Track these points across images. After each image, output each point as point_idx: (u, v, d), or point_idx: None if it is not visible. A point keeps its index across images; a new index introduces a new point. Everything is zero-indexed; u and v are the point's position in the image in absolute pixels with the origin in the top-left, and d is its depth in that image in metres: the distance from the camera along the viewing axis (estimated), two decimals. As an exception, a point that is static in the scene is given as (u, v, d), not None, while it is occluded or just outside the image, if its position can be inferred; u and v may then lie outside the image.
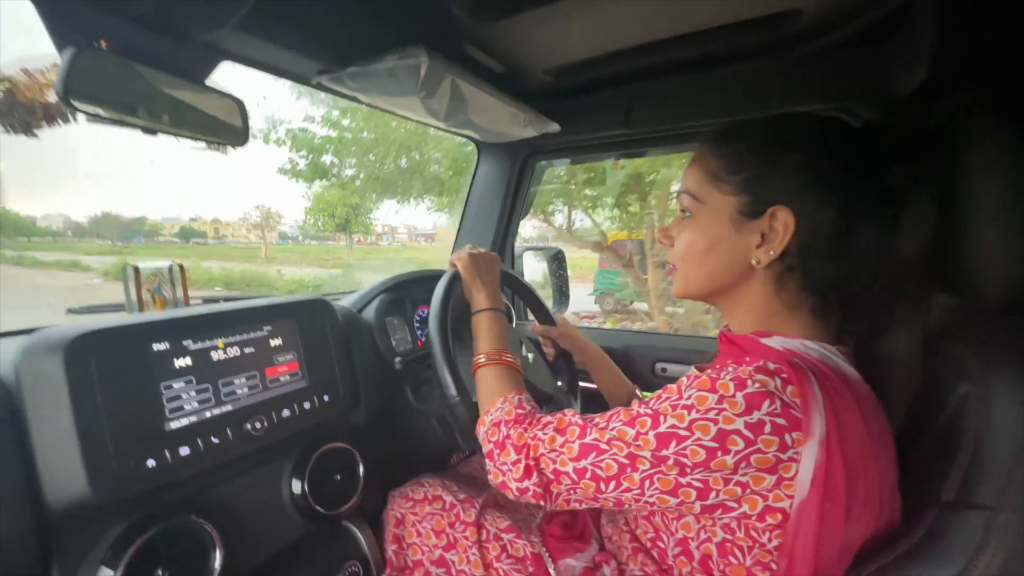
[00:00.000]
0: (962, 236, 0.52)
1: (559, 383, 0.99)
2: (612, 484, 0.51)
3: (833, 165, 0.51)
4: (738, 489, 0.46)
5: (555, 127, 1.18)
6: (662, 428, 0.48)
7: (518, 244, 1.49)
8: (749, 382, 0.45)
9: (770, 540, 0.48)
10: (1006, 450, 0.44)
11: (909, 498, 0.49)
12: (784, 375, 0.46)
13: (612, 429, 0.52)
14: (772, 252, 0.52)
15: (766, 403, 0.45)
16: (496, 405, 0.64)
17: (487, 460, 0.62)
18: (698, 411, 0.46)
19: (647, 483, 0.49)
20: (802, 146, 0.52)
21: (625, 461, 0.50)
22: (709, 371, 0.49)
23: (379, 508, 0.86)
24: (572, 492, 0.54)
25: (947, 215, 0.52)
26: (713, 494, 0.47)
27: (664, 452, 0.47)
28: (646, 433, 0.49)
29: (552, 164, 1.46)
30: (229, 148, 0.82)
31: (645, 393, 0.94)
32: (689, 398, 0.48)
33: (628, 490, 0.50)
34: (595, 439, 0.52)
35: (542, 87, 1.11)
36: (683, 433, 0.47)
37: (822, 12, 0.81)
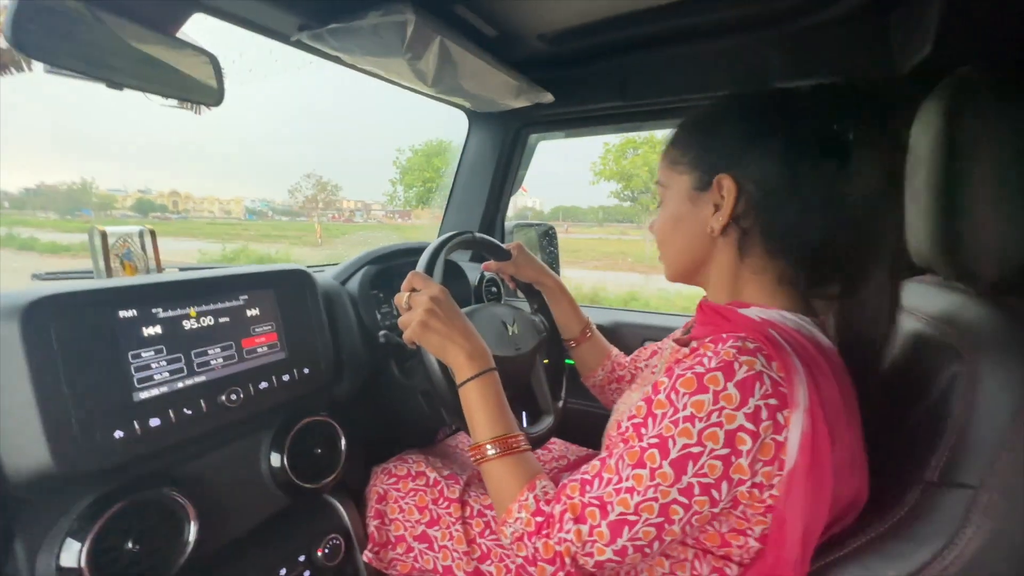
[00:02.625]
0: (956, 216, 0.51)
1: (535, 317, 0.94)
2: (656, 544, 0.48)
3: (765, 128, 0.53)
4: (757, 491, 0.46)
5: (548, 97, 1.14)
6: (674, 454, 0.45)
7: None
8: (735, 365, 0.45)
9: (756, 512, 0.48)
10: (992, 431, 0.43)
11: (892, 477, 0.49)
12: (765, 352, 0.46)
13: (626, 480, 0.47)
14: (722, 217, 0.54)
15: (757, 386, 0.44)
16: (512, 514, 0.55)
17: (527, 565, 0.54)
18: (700, 419, 0.45)
19: (688, 527, 0.47)
20: (734, 116, 0.56)
21: (659, 519, 0.46)
22: (688, 360, 0.48)
23: (362, 484, 0.85)
24: (620, 567, 0.51)
25: (941, 195, 0.51)
26: (742, 507, 0.48)
27: (684, 479, 0.45)
28: (660, 467, 0.46)
29: (544, 137, 1.42)
30: (203, 108, 0.78)
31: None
32: (685, 407, 0.46)
33: (673, 540, 0.49)
34: (621, 514, 0.47)
35: (536, 54, 1.06)
36: (696, 450, 0.45)
37: None
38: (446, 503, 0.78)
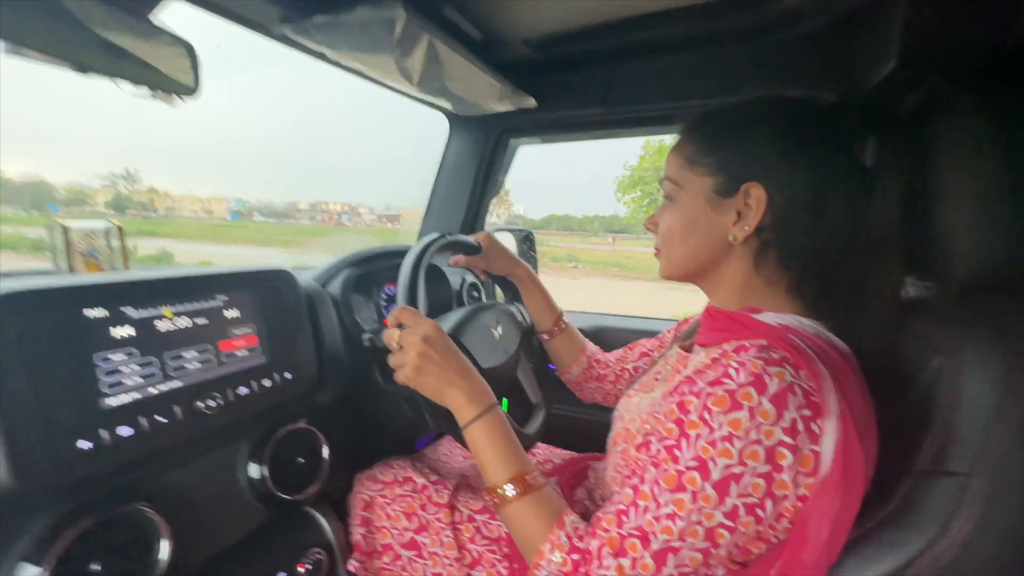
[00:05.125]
0: (932, 219, 0.53)
1: (513, 308, 0.92)
2: (702, 570, 0.46)
3: (799, 139, 0.52)
4: (800, 503, 0.45)
5: (531, 102, 1.14)
6: (716, 475, 0.44)
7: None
8: (766, 378, 0.44)
9: (779, 519, 0.47)
10: (978, 419, 0.45)
11: (884, 469, 0.50)
12: (792, 360, 0.45)
13: (666, 506, 0.45)
14: (747, 227, 0.53)
15: (790, 398, 0.44)
16: (544, 555, 0.51)
17: None
18: (739, 438, 0.44)
19: (735, 550, 0.46)
20: (768, 123, 0.54)
21: (705, 544, 0.45)
22: (711, 371, 0.47)
23: (344, 493, 0.82)
24: None
25: (917, 199, 0.53)
26: (785, 520, 0.46)
27: (729, 501, 0.44)
28: (702, 490, 0.44)
29: (525, 142, 1.42)
30: (176, 98, 0.73)
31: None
32: (722, 427, 0.44)
33: (720, 563, 0.47)
34: (665, 542, 0.45)
35: (520, 59, 1.07)
36: (738, 470, 0.44)
37: None
38: (435, 508, 0.76)
